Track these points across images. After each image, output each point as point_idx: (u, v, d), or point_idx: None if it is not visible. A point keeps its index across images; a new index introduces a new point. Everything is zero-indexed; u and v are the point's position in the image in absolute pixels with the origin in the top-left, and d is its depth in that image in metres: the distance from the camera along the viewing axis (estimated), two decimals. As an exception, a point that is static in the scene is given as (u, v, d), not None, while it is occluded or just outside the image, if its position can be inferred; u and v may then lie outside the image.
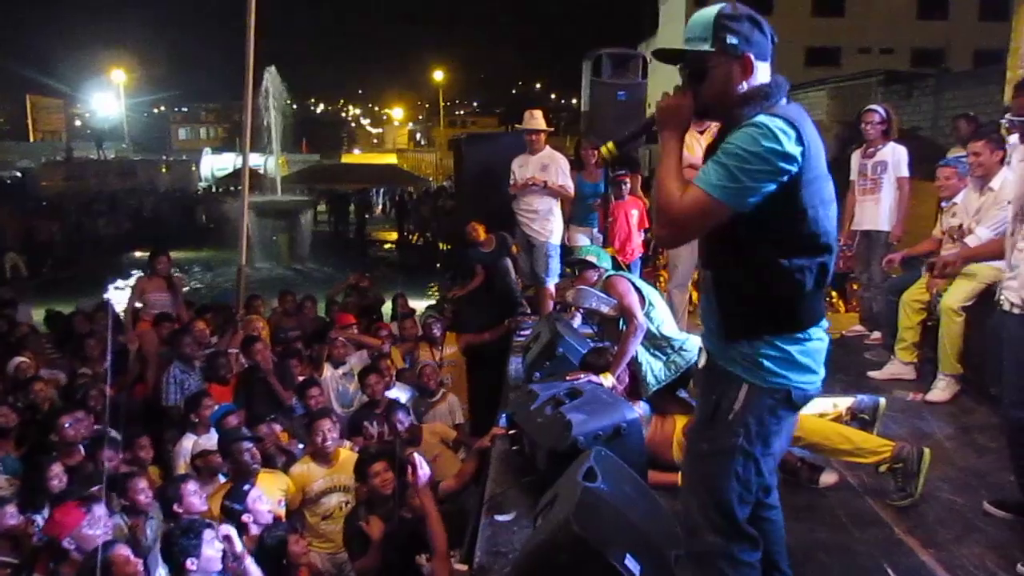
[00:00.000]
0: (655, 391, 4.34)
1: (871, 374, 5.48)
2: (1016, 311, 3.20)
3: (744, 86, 2.13)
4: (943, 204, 5.58)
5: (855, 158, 6.30)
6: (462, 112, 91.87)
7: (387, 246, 26.93)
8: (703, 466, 2.33)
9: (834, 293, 8.11)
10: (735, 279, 2.24)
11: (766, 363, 2.21)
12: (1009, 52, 6.62)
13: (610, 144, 2.53)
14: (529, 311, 7.51)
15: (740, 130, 2.05)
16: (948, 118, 13.83)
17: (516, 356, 5.92)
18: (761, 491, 2.38)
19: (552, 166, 6.84)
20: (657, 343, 4.39)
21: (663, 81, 2.21)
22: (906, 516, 3.47)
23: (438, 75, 59.72)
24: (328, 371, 6.70)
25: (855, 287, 7.98)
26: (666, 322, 4.47)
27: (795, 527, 3.26)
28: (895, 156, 6.04)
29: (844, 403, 4.27)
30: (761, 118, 2.04)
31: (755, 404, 2.23)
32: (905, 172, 6.01)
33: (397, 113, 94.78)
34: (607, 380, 4.21)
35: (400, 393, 6.36)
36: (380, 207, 34.52)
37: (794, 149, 2.02)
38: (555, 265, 7.04)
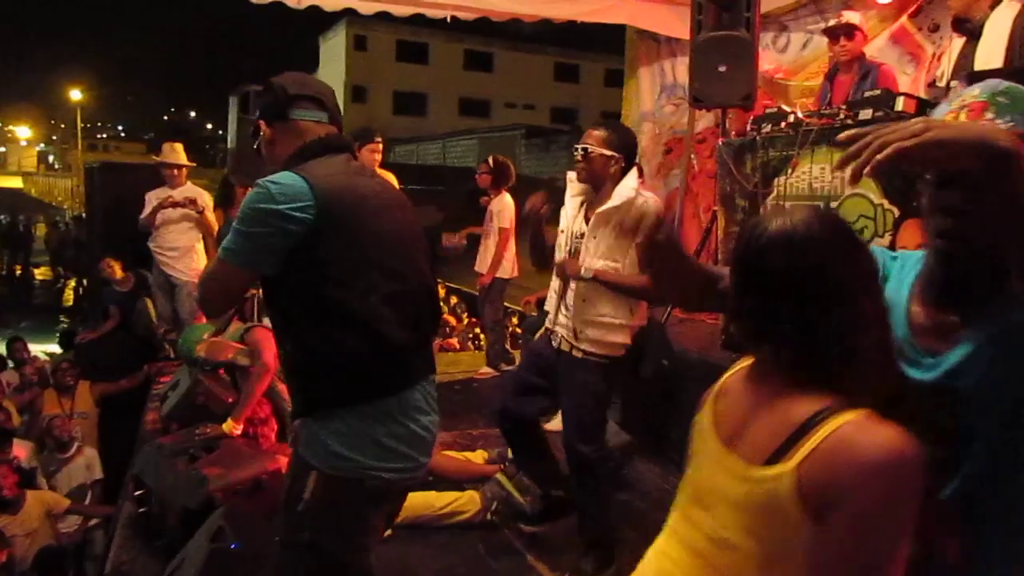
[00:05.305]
0: None
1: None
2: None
3: (272, 148, 2.09)
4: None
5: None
6: (105, 136, 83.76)
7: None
8: (279, 558, 2.03)
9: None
10: (286, 349, 2.03)
11: (330, 443, 1.93)
12: (622, 118, 7.58)
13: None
14: (172, 355, 6.94)
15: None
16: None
17: (153, 406, 5.44)
18: None
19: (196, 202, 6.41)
20: None
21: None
22: (536, 544, 3.65)
23: (76, 94, 53.32)
24: None
25: (477, 330, 8.43)
26: None
27: (433, 564, 3.36)
28: (499, 206, 6.28)
29: (478, 457, 4.39)
30: (263, 179, 1.89)
31: (325, 494, 1.93)
32: (506, 224, 6.23)
33: (23, 132, 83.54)
34: (227, 426, 3.93)
35: (21, 450, 5.62)
36: None
37: (293, 206, 1.84)
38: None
